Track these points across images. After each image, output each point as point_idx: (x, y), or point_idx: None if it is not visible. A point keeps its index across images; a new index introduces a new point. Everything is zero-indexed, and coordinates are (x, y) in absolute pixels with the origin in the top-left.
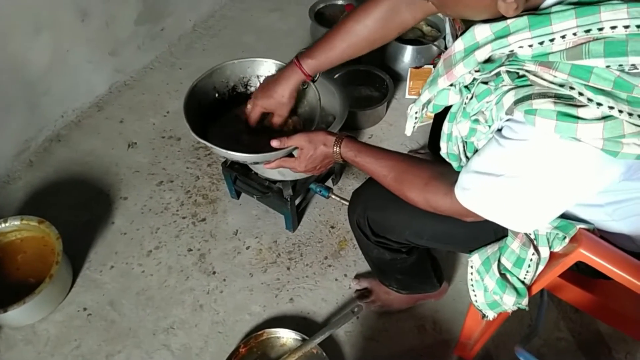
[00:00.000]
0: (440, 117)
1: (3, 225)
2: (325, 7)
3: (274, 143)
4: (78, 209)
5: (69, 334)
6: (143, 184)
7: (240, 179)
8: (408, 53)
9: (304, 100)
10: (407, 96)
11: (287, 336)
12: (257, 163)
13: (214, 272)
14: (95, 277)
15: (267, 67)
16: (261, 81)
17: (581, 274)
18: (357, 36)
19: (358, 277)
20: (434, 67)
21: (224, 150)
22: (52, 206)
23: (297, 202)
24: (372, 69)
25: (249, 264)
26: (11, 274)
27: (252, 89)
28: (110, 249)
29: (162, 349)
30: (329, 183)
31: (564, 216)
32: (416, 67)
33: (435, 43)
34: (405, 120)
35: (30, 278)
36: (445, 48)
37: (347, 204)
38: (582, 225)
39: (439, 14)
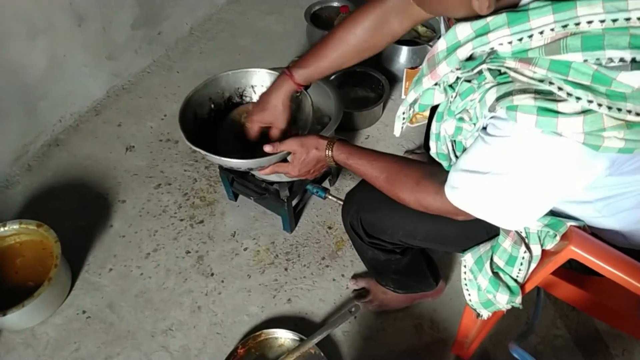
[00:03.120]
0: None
1: (2, 229)
2: (321, 9)
3: (267, 148)
4: (76, 212)
5: (68, 336)
6: (141, 187)
7: (238, 180)
8: (403, 54)
9: (300, 107)
10: (403, 96)
11: (285, 336)
12: (251, 169)
13: (212, 274)
14: (94, 280)
15: (260, 77)
16: (256, 91)
17: (574, 271)
18: (347, 44)
19: (355, 277)
20: None
21: (218, 157)
22: (50, 210)
23: (294, 203)
24: (368, 70)
25: (246, 265)
26: (10, 278)
27: (248, 99)
28: (109, 251)
29: (160, 350)
30: (326, 184)
31: (555, 214)
32: (412, 68)
33: (430, 43)
34: None
35: (30, 281)
36: None
37: None
38: (573, 223)
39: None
